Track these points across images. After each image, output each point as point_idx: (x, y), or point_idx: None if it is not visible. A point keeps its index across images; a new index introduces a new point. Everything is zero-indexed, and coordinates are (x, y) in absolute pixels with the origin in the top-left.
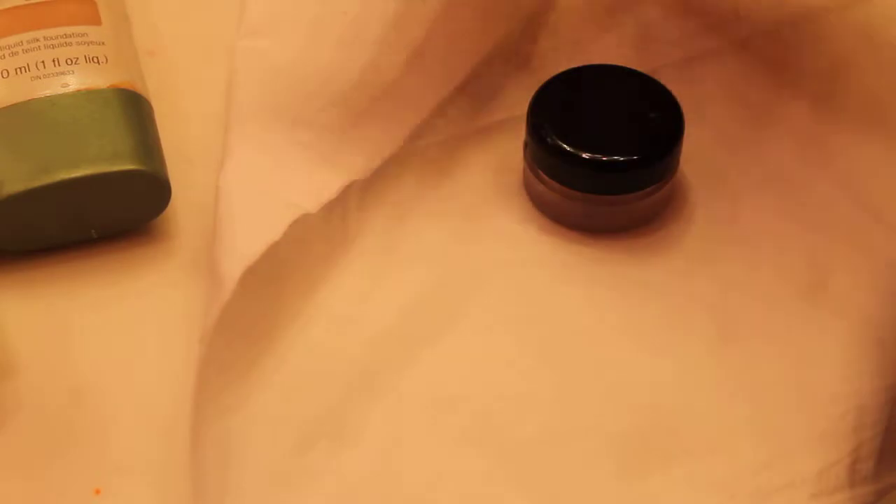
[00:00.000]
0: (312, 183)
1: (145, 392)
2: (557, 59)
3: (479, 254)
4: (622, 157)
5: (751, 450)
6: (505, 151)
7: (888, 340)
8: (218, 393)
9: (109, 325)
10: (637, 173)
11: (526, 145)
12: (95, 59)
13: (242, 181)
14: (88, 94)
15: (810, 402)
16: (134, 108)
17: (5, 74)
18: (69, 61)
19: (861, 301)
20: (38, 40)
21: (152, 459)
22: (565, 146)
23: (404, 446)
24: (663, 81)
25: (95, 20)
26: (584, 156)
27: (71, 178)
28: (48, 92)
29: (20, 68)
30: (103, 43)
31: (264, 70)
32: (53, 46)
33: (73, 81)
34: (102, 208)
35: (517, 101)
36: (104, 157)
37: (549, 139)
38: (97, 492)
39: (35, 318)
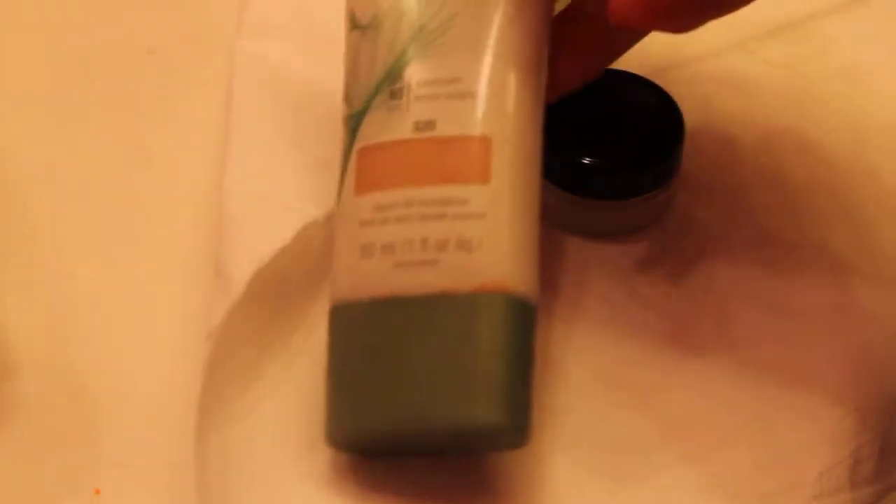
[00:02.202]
0: (317, 188)
1: (145, 392)
2: None
3: None
4: (622, 160)
5: (752, 451)
6: None
7: (889, 341)
8: (223, 395)
9: (110, 325)
10: (637, 178)
11: None
12: (467, 245)
13: (247, 185)
14: (449, 301)
15: (811, 403)
16: (506, 325)
17: (370, 251)
18: (438, 245)
19: (863, 301)
20: (412, 204)
21: (152, 459)
22: (565, 150)
23: None
24: (663, 83)
25: (483, 175)
26: (583, 160)
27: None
28: (406, 290)
29: (386, 246)
30: (483, 216)
31: (266, 71)
32: (426, 218)
33: (435, 278)
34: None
35: None
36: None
37: (548, 143)
38: (97, 492)
39: (35, 318)
